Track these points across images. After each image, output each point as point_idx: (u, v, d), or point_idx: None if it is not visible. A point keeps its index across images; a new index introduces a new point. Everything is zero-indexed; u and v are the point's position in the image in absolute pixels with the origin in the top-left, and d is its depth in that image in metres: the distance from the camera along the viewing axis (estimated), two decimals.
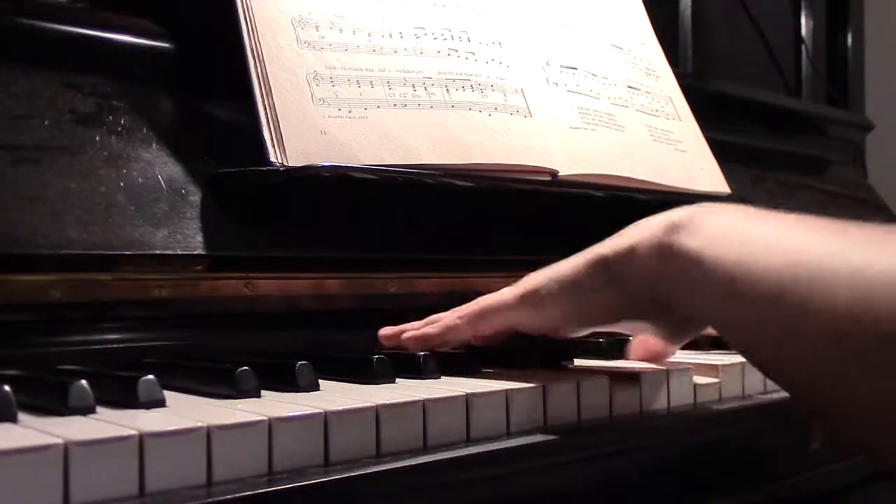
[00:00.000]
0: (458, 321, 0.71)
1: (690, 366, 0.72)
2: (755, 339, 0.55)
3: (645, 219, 0.62)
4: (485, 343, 0.73)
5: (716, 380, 0.73)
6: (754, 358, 0.58)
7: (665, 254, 0.58)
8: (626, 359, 0.74)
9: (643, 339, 0.73)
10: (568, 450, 0.60)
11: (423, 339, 0.71)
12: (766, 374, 0.60)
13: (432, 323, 0.73)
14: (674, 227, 0.59)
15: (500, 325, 0.70)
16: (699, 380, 0.72)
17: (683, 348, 0.73)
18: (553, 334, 0.70)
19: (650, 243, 0.60)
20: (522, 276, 0.69)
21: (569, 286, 0.65)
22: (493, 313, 0.69)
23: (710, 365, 0.74)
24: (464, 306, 0.72)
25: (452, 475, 0.53)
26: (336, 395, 0.56)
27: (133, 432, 0.43)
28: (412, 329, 0.73)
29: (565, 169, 0.92)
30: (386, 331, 0.75)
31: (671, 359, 0.73)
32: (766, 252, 0.53)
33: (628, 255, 0.61)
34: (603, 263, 0.63)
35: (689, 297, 0.58)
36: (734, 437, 0.73)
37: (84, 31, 0.77)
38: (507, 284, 0.72)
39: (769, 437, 0.75)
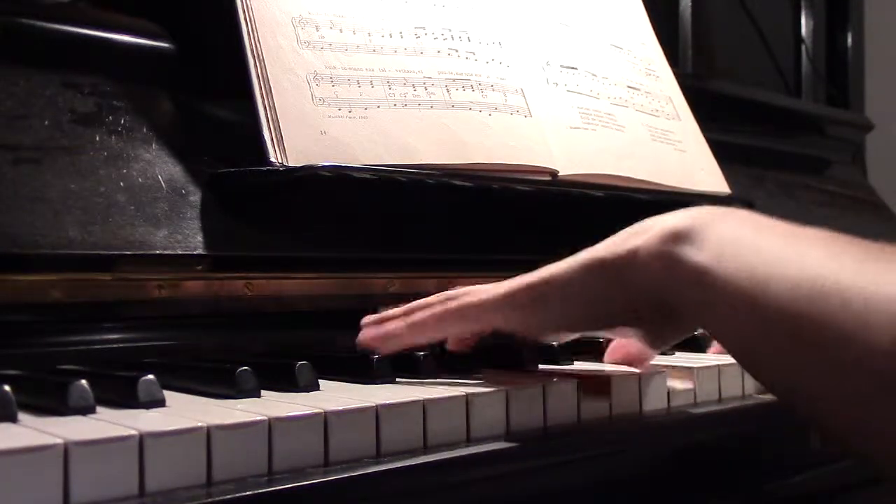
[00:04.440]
0: (428, 319, 0.65)
1: (692, 368, 0.72)
2: (772, 365, 0.51)
3: (642, 222, 0.58)
4: (459, 347, 0.68)
5: (715, 381, 0.73)
6: (762, 377, 0.55)
7: (670, 264, 0.55)
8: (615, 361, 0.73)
9: (622, 343, 0.72)
10: (567, 450, 0.60)
11: (386, 338, 0.65)
12: (770, 389, 0.55)
13: (410, 312, 0.66)
14: (676, 236, 0.55)
15: (475, 327, 0.65)
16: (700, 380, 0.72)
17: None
18: (531, 339, 0.66)
19: (652, 251, 0.56)
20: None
21: (560, 289, 0.60)
22: (473, 313, 0.64)
23: (710, 367, 0.74)
24: (434, 300, 0.65)
25: (452, 475, 0.53)
26: (336, 395, 0.56)
27: (133, 432, 0.43)
28: (391, 319, 0.67)
29: (565, 169, 0.92)
30: (367, 321, 0.68)
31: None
32: (781, 268, 0.49)
33: (628, 261, 0.57)
34: (599, 266, 0.59)
35: (698, 311, 0.55)
36: (734, 437, 0.73)
37: (84, 31, 0.77)
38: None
39: (769, 436, 0.75)
